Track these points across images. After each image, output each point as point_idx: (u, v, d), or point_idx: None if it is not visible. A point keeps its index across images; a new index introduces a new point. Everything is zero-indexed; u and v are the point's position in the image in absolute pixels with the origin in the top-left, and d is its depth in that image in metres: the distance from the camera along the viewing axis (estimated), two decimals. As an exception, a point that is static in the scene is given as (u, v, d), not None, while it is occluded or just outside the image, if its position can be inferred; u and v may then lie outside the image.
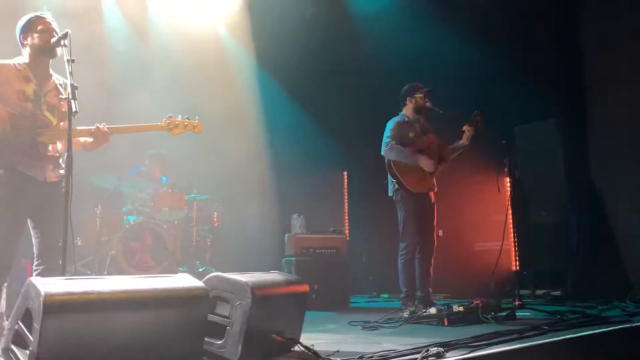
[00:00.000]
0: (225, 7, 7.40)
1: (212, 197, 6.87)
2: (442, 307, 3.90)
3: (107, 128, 3.36)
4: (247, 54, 7.58)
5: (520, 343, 2.86)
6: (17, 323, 2.22)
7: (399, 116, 4.96)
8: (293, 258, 5.44)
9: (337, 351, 2.77)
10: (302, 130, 7.18)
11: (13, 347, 2.22)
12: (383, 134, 4.82)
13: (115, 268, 5.47)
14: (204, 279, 2.66)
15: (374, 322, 3.94)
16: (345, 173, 8.03)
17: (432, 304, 4.44)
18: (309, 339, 2.91)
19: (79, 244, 5.59)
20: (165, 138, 3.80)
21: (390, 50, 6.64)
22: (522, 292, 5.04)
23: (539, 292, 5.78)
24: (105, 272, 5.41)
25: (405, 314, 4.08)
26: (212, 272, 3.91)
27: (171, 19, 7.04)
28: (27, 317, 2.15)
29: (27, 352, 2.10)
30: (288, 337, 2.69)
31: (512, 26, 6.29)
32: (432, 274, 4.76)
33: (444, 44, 6.16)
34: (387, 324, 3.91)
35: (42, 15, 3.35)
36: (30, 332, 2.08)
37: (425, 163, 4.73)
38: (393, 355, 2.56)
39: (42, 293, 2.03)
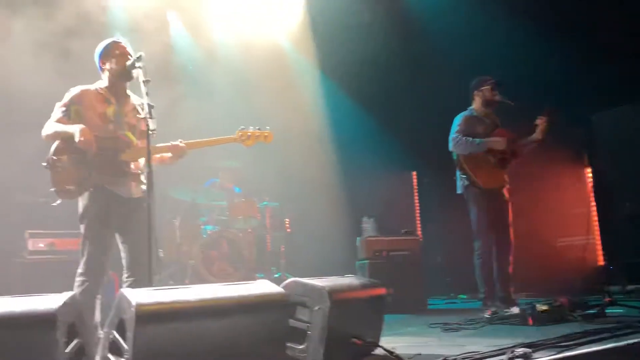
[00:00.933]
0: (286, 19, 7.53)
1: (283, 204, 7.00)
2: (525, 307, 3.76)
3: (184, 143, 3.51)
4: (309, 62, 7.68)
5: (614, 342, 2.71)
6: (112, 333, 2.35)
7: (467, 111, 4.86)
8: (366, 261, 5.43)
9: (419, 354, 2.74)
10: (369, 132, 7.17)
11: (110, 355, 2.35)
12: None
13: (196, 276, 5.68)
14: (282, 285, 2.71)
15: (454, 323, 3.86)
16: (414, 173, 7.93)
17: (514, 304, 4.30)
18: (389, 342, 2.90)
19: (161, 254, 5.85)
20: (236, 148, 3.91)
21: (457, 46, 6.51)
22: (612, 287, 4.77)
23: (631, 287, 5.44)
24: (187, 281, 5.63)
25: (487, 315, 3.98)
26: (287, 277, 3.98)
27: (234, 33, 7.25)
28: (120, 326, 2.28)
29: None
30: (368, 341, 2.69)
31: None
32: (512, 272, 4.61)
33: (512, 33, 5.96)
34: (469, 325, 3.82)
35: (117, 41, 3.55)
36: (124, 341, 2.20)
37: (495, 141, 4.59)
38: (478, 356, 2.51)
39: (134, 304, 2.14)
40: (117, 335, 2.30)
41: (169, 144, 3.50)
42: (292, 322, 2.63)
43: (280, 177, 7.00)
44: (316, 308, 2.61)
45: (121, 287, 5.06)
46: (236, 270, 5.85)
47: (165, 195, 5.91)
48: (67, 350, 2.10)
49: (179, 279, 5.73)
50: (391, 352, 2.62)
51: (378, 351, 2.71)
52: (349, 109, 7.35)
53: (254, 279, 5.56)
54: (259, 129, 3.73)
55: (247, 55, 7.09)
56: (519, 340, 2.84)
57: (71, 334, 2.16)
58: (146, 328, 2.12)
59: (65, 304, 2.10)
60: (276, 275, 6.31)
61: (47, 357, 2.02)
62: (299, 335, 2.64)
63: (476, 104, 4.85)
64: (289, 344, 2.57)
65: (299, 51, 7.66)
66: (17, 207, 5.37)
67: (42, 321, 2.00)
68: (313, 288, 2.66)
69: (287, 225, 7.05)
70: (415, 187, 7.86)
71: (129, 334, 2.13)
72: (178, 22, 7.22)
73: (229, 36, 7.29)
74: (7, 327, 2.02)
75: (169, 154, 3.55)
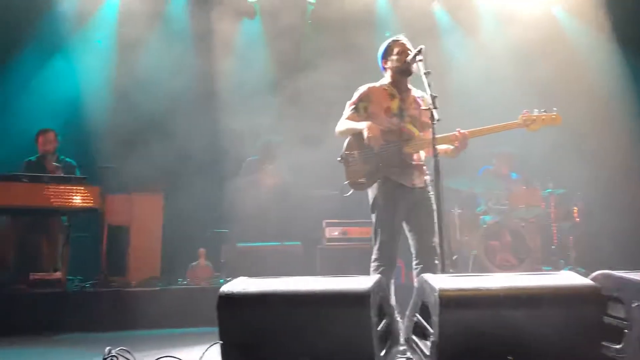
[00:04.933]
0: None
1: (570, 191, 6.38)
2: None
3: (465, 132, 3.48)
4: (591, 31, 6.86)
5: None
6: (415, 316, 2.46)
7: None
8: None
9: None
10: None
11: (414, 337, 2.47)
12: None
13: (478, 267, 5.60)
14: (589, 277, 2.46)
15: None
16: None
17: None
18: None
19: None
20: (511, 134, 3.70)
21: None
22: None
23: None
24: (469, 271, 5.59)
25: None
26: (579, 272, 3.60)
27: (500, 10, 6.94)
28: (424, 310, 2.37)
29: (427, 342, 2.29)
30: None
31: None
32: None
33: None
34: None
35: (397, 39, 3.70)
36: (429, 325, 2.28)
37: None
38: None
39: (437, 289, 2.19)
40: (420, 319, 2.40)
41: (450, 133, 3.50)
42: (605, 319, 2.35)
43: (565, 162, 6.41)
44: (635, 304, 2.29)
45: (406, 273, 5.33)
46: (520, 262, 5.57)
47: (442, 185, 5.96)
48: (378, 328, 2.27)
49: (461, 269, 5.72)
50: None
51: None
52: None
53: (538, 271, 5.23)
54: (544, 112, 3.47)
55: (517, 32, 6.70)
56: None
57: (380, 313, 2.33)
58: (450, 313, 2.15)
59: (374, 285, 2.27)
60: (566, 269, 5.79)
61: (361, 333, 2.21)
62: (614, 334, 2.35)
63: None
64: (604, 343, 2.31)
65: (582, 22, 6.91)
66: (316, 199, 6.13)
67: (356, 300, 2.19)
68: (630, 282, 2.34)
69: (576, 215, 6.39)
70: None
71: (434, 318, 2.19)
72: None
73: (494, 14, 7.03)
74: (325, 303, 2.27)
75: (452, 147, 3.55)
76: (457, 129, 3.49)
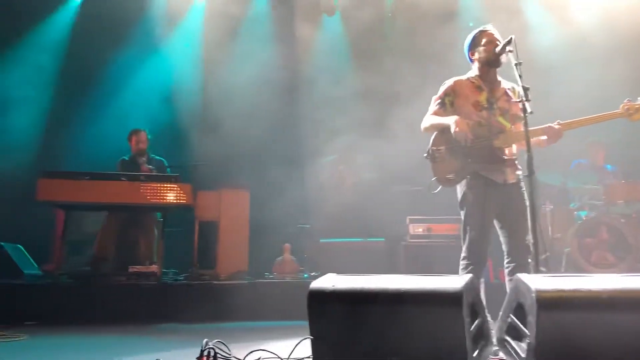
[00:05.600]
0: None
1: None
2: None
3: (560, 124, 3.32)
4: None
5: None
6: (509, 316, 2.37)
7: None
8: None
9: None
10: None
11: (507, 338, 2.39)
12: None
13: (572, 265, 5.33)
14: None
15: None
16: None
17: None
18: None
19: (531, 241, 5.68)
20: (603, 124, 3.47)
21: None
22: None
23: None
24: (562, 270, 5.33)
25: None
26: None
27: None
28: (518, 311, 2.28)
29: (523, 344, 2.21)
30: None
31: None
32: None
33: None
34: None
35: (484, 29, 3.58)
36: (525, 326, 2.19)
37: None
38: None
39: (534, 289, 2.11)
40: (515, 319, 2.31)
41: (544, 126, 3.35)
42: None
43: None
44: None
45: (496, 272, 5.16)
46: (620, 261, 5.23)
47: (535, 180, 5.72)
48: (471, 328, 2.21)
49: (554, 268, 5.46)
50: None
51: None
52: None
53: (641, 271, 4.89)
54: (649, 100, 3.24)
55: (620, 17, 6.28)
56: None
57: (473, 313, 2.27)
58: (548, 315, 2.07)
59: (467, 284, 2.21)
60: (672, 269, 5.38)
61: (453, 333, 2.16)
62: None
63: None
64: None
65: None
66: (400, 195, 6.08)
67: (449, 299, 2.15)
68: None
69: (684, 210, 5.90)
70: None
71: (531, 320, 2.11)
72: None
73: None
74: (416, 302, 2.25)
75: (544, 137, 3.39)
76: (557, 121, 3.33)
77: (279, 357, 2.41)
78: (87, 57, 7.41)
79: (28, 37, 7.44)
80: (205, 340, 2.30)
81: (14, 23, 7.23)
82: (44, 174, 5.10)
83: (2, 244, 5.67)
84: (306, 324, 2.49)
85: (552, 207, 5.75)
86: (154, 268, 5.23)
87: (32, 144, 7.22)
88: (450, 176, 3.48)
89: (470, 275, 2.38)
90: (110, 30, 7.40)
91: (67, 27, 7.71)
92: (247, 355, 2.30)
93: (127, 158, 6.05)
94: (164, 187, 5.21)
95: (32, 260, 6.03)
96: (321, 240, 5.98)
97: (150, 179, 5.31)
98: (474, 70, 3.60)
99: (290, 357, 2.43)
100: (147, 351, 3.07)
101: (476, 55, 3.56)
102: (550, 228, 5.69)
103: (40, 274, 5.82)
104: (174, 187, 5.23)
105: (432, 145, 3.54)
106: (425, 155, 3.57)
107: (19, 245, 5.99)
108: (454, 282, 2.21)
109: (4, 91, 7.03)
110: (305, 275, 5.87)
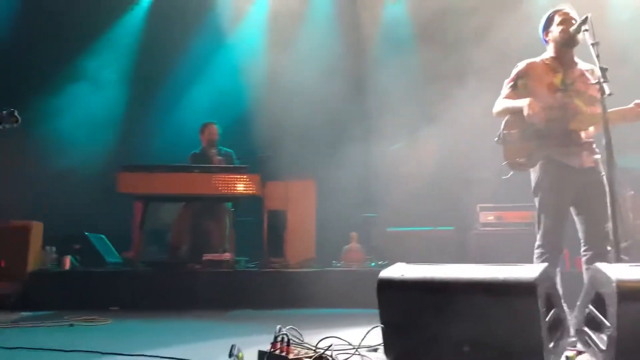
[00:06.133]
0: None
1: None
2: None
3: (638, 105, 3.15)
4: None
5: None
6: (588, 307, 2.29)
7: None
8: None
9: None
10: None
11: (586, 329, 2.31)
12: None
13: (656, 254, 5.03)
14: None
15: None
16: None
17: None
18: None
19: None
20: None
21: None
22: None
23: None
24: (645, 259, 5.04)
25: None
26: None
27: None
28: (598, 301, 2.20)
29: (603, 335, 2.13)
30: None
31: None
32: None
33: None
34: None
35: (559, 8, 3.43)
36: (605, 317, 2.11)
37: None
38: None
39: (614, 280, 2.03)
40: (594, 310, 2.23)
41: (624, 107, 3.18)
42: None
43: None
44: None
45: (573, 261, 4.96)
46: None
47: (615, 165, 5.44)
48: (547, 319, 2.16)
49: (636, 257, 5.18)
50: None
51: None
52: None
53: None
54: None
55: None
56: None
57: (548, 303, 2.21)
58: (630, 306, 1.98)
59: (541, 274, 2.15)
60: None
61: (528, 325, 2.11)
62: None
63: None
64: None
65: None
66: (470, 183, 5.96)
67: (523, 289, 2.10)
68: None
69: None
70: None
71: (611, 310, 2.03)
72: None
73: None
74: (490, 292, 2.21)
75: (622, 119, 3.22)
76: (635, 101, 3.16)
77: (350, 344, 2.45)
78: (158, 55, 7.74)
79: (103, 37, 7.86)
80: (278, 326, 2.37)
81: (86, 25, 7.64)
82: (123, 168, 5.38)
83: (87, 234, 6.06)
84: (374, 312, 2.51)
85: (632, 192, 5.45)
86: (227, 256, 5.41)
87: (112, 140, 7.64)
88: (522, 160, 3.38)
89: (545, 264, 2.31)
90: (179, 26, 7.68)
91: (139, 26, 8.06)
92: (319, 341, 2.35)
93: (197, 151, 6.27)
94: (234, 178, 5.36)
95: (113, 249, 6.41)
96: (388, 229, 5.97)
97: (221, 170, 5.48)
98: (548, 52, 3.48)
99: (361, 344, 2.46)
100: (223, 336, 3.20)
101: (550, 36, 3.44)
102: (631, 214, 5.39)
103: (121, 261, 6.18)
104: (243, 178, 5.37)
105: (504, 129, 3.45)
106: (496, 139, 3.48)
107: (102, 235, 6.37)
108: (529, 271, 2.15)
109: (85, 92, 7.46)
110: (373, 264, 5.89)
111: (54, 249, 5.48)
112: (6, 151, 6.38)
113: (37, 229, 5.32)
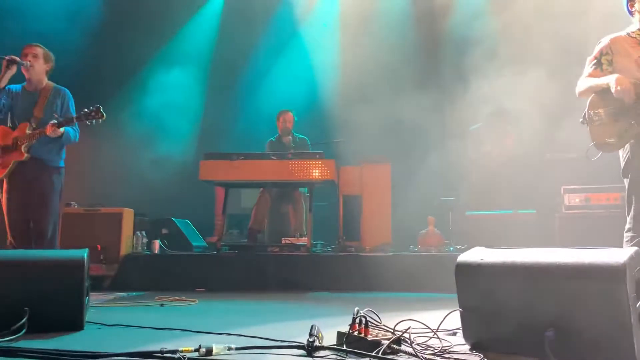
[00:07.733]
0: None
1: None
2: None
3: None
4: None
5: None
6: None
7: None
8: None
9: None
10: None
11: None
12: None
13: None
14: None
15: None
16: None
17: None
18: None
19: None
20: None
21: None
22: None
23: None
24: None
25: None
26: None
27: None
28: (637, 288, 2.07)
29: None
30: None
31: None
32: None
33: None
34: None
35: (647, -25, 3.20)
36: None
37: None
38: None
39: None
40: None
41: None
42: None
43: None
44: None
45: None
46: None
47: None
48: (637, 305, 2.05)
49: None
50: None
51: None
52: None
53: None
54: None
55: None
56: None
57: (639, 289, 2.10)
58: None
59: (631, 257, 2.05)
60: None
61: (616, 310, 2.02)
62: None
63: None
64: None
65: None
66: (553, 164, 5.71)
67: (611, 273, 2.01)
68: None
69: None
70: None
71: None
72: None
73: None
74: (575, 276, 2.12)
75: None
76: None
77: (428, 328, 2.45)
78: (234, 46, 7.96)
79: (181, 32, 8.18)
80: (356, 308, 2.41)
81: (165, 22, 7.99)
82: (205, 156, 5.62)
83: (174, 219, 6.40)
84: (452, 296, 2.49)
85: None
86: (304, 240, 5.54)
87: (194, 130, 7.99)
88: (611, 140, 3.20)
89: (635, 248, 2.19)
90: (254, 17, 7.85)
91: (216, 19, 8.32)
92: (397, 324, 2.37)
93: (274, 139, 6.43)
94: (309, 163, 5.45)
95: (198, 233, 6.73)
96: (467, 213, 5.86)
97: (297, 156, 5.59)
98: (635, 24, 3.26)
99: (440, 328, 2.45)
100: (303, 317, 3.29)
101: (637, 7, 3.21)
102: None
103: (205, 245, 6.49)
104: (318, 164, 5.45)
105: (589, 109, 3.28)
106: (581, 120, 3.32)
107: (187, 221, 6.71)
108: (617, 255, 2.06)
109: (169, 86, 7.82)
110: (451, 248, 5.81)
111: (144, 233, 5.83)
112: (98, 144, 6.85)
113: (128, 215, 5.68)
